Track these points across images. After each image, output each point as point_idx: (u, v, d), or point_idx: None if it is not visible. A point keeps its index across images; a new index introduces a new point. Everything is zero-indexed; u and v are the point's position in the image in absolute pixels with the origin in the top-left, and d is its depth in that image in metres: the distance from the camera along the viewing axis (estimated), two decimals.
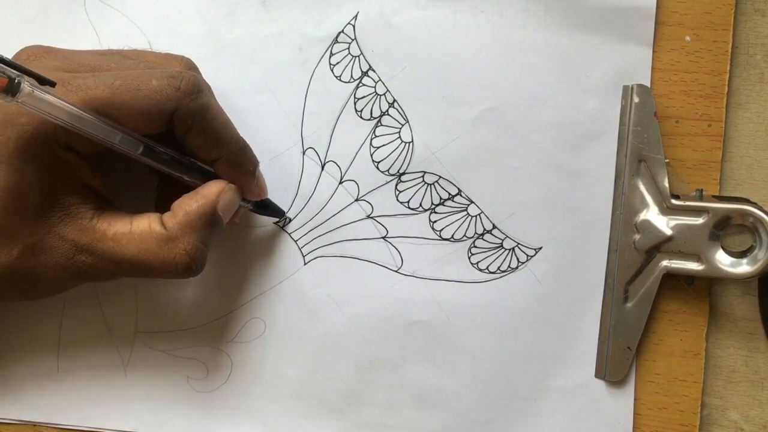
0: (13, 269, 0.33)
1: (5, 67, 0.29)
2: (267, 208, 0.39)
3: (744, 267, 0.36)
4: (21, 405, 0.41)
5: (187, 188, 0.36)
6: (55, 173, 0.33)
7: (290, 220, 0.40)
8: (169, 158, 0.34)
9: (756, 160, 0.38)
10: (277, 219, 0.40)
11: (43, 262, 0.34)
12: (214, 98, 0.35)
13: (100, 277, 0.35)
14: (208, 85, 0.35)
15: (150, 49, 0.39)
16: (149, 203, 0.39)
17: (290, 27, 0.40)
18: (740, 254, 0.37)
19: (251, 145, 0.37)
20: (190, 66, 0.37)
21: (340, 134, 0.40)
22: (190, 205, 0.34)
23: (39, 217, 0.33)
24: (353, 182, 0.40)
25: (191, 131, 0.34)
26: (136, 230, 0.34)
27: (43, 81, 0.30)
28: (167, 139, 0.34)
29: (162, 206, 0.36)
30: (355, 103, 0.40)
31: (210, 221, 0.35)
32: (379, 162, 0.40)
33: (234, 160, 0.35)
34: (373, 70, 0.40)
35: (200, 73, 0.38)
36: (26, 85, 0.30)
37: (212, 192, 0.35)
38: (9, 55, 0.31)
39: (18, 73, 0.30)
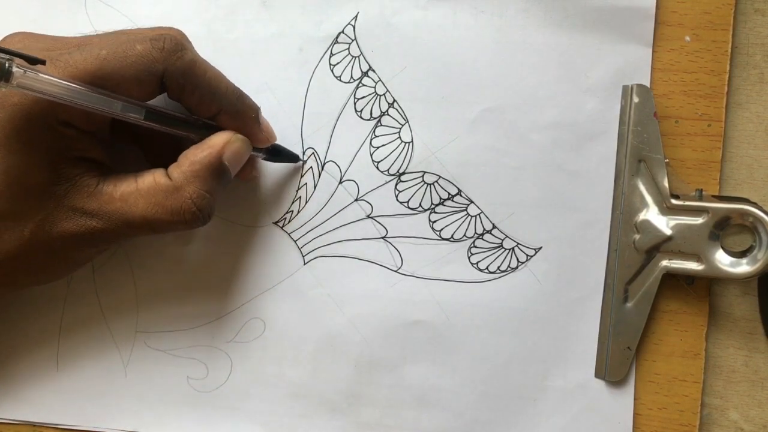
0: (27, 249, 0.34)
1: None
2: (280, 154, 0.39)
3: (744, 267, 0.36)
4: (21, 405, 0.41)
5: (173, 159, 0.36)
6: (55, 149, 0.33)
7: (304, 162, 0.40)
8: (174, 119, 0.35)
9: (756, 160, 0.38)
10: (294, 163, 0.40)
11: (56, 235, 0.34)
12: (197, 53, 0.35)
13: (113, 240, 0.35)
14: (188, 40, 0.35)
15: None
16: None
17: (290, 27, 0.40)
18: (740, 254, 0.37)
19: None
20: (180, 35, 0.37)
21: (340, 134, 0.40)
22: (195, 155, 0.35)
23: (44, 194, 0.33)
24: (353, 182, 0.40)
25: (185, 90, 0.34)
26: (142, 186, 0.34)
27: (33, 61, 0.30)
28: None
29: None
30: (355, 103, 0.40)
31: (216, 170, 0.35)
32: (378, 162, 0.40)
33: (234, 110, 0.36)
34: (373, 71, 0.40)
35: (187, 38, 0.37)
36: (17, 67, 0.30)
37: (218, 142, 0.35)
38: None
39: (6, 56, 0.29)
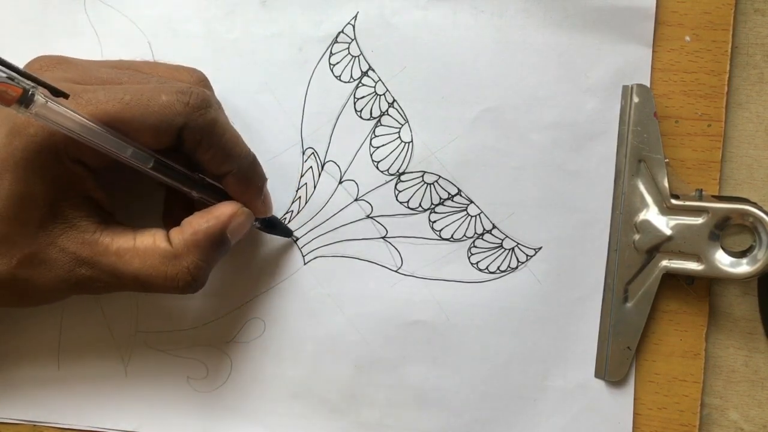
0: (11, 278, 0.34)
1: (20, 77, 0.29)
2: (275, 227, 0.39)
3: (744, 267, 0.36)
4: (21, 405, 0.41)
5: (192, 203, 0.36)
6: (60, 185, 0.33)
7: (297, 239, 0.40)
8: (179, 174, 0.34)
9: (756, 160, 0.38)
10: (285, 238, 0.40)
11: (42, 274, 0.34)
12: (224, 113, 0.35)
13: (99, 289, 0.35)
14: (217, 101, 0.35)
15: (161, 61, 0.38)
16: (153, 217, 0.39)
17: (290, 27, 0.40)
18: (740, 254, 0.37)
19: (251, 144, 0.37)
20: (201, 79, 0.37)
21: (339, 134, 0.40)
22: (200, 224, 0.35)
23: (41, 229, 0.33)
24: (353, 182, 0.40)
25: (200, 146, 0.34)
26: (140, 246, 0.34)
27: (56, 93, 0.30)
28: (175, 154, 0.34)
29: (169, 218, 0.37)
30: (354, 103, 0.40)
31: (217, 242, 0.35)
32: (378, 162, 0.40)
33: (243, 175, 0.35)
34: (373, 70, 0.40)
35: (210, 86, 0.38)
36: (40, 96, 0.30)
37: (225, 213, 0.35)
38: (19, 63, 0.31)
39: (32, 84, 0.30)
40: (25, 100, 0.29)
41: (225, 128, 0.35)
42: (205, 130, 0.33)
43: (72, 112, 0.31)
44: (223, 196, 0.36)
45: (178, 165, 0.35)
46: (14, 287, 0.34)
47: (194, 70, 0.37)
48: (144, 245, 0.34)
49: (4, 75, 0.29)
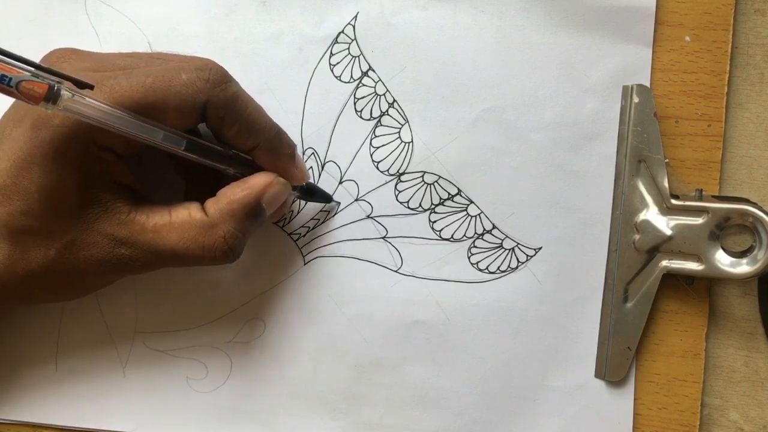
0: (50, 269, 0.34)
1: (43, 74, 0.29)
2: (314, 193, 0.39)
3: (744, 267, 0.36)
4: (20, 405, 0.41)
5: (213, 190, 0.36)
6: (91, 173, 0.33)
7: (338, 204, 0.40)
8: (213, 151, 0.35)
9: (756, 160, 0.38)
10: (326, 203, 0.40)
11: (82, 258, 0.34)
12: (241, 87, 0.35)
13: (139, 269, 0.35)
14: (233, 77, 0.35)
15: (168, 52, 0.38)
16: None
17: (290, 27, 0.40)
18: (740, 254, 0.37)
19: None
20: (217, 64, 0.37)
21: (340, 134, 0.40)
22: (235, 193, 0.35)
23: (75, 216, 0.33)
24: (353, 182, 0.40)
25: (225, 122, 0.34)
26: (176, 220, 0.34)
27: (81, 85, 0.30)
28: (199, 135, 0.35)
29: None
30: (354, 103, 0.40)
31: (253, 211, 0.35)
32: (378, 162, 0.40)
33: (271, 146, 0.35)
34: (373, 70, 0.40)
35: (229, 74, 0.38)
36: (65, 90, 0.30)
37: (260, 183, 0.35)
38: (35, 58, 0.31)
39: (56, 79, 0.30)
40: (51, 96, 0.29)
41: (247, 102, 0.35)
42: (227, 105, 0.34)
43: (99, 103, 0.31)
44: (258, 170, 0.36)
45: (212, 144, 0.35)
46: (54, 278, 0.34)
47: (208, 60, 0.37)
48: (180, 219, 0.34)
49: (28, 73, 0.29)
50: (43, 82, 0.29)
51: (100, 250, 0.34)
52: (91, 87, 0.31)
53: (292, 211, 0.40)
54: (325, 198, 0.39)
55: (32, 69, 0.29)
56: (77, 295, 0.37)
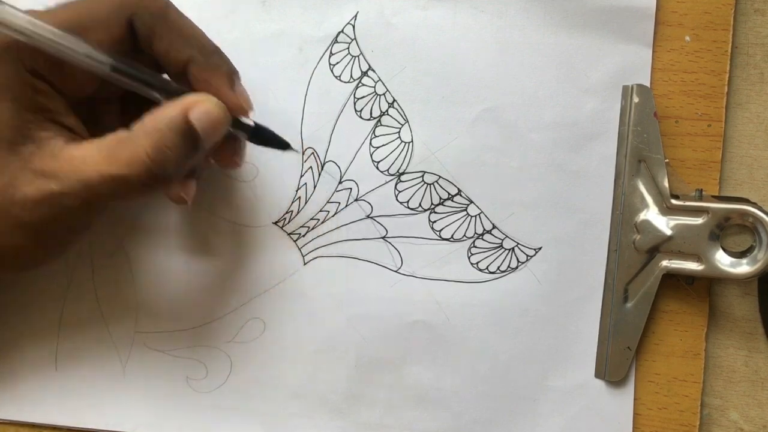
0: None
1: None
2: (265, 137, 0.36)
3: (744, 267, 0.36)
4: (20, 405, 0.41)
5: None
6: (25, 105, 0.32)
7: (296, 152, 0.38)
8: (141, 74, 0.33)
9: (756, 160, 0.38)
10: (282, 150, 0.37)
11: (19, 201, 0.31)
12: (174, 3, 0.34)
13: (74, 207, 0.32)
14: None
15: None
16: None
17: (290, 27, 0.40)
18: (740, 254, 0.37)
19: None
20: None
21: (339, 134, 0.40)
22: (160, 111, 0.32)
23: (10, 152, 0.31)
24: (353, 182, 0.40)
25: (155, 34, 0.32)
26: (102, 143, 0.32)
27: None
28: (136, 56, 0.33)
29: None
30: (354, 103, 0.40)
31: (181, 130, 0.32)
32: (378, 162, 0.40)
33: (205, 63, 0.34)
34: (373, 70, 0.40)
35: None
36: None
37: (186, 100, 0.32)
38: None
39: None
40: None
41: (179, 14, 0.33)
42: (157, 14, 0.32)
43: (21, 13, 0.30)
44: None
45: (140, 66, 0.33)
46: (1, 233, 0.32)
47: None
48: (106, 142, 0.32)
49: None
50: None
51: (34, 188, 0.31)
52: None
53: (292, 211, 0.40)
54: (280, 144, 0.37)
55: None
56: (35, 258, 0.34)
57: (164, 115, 0.32)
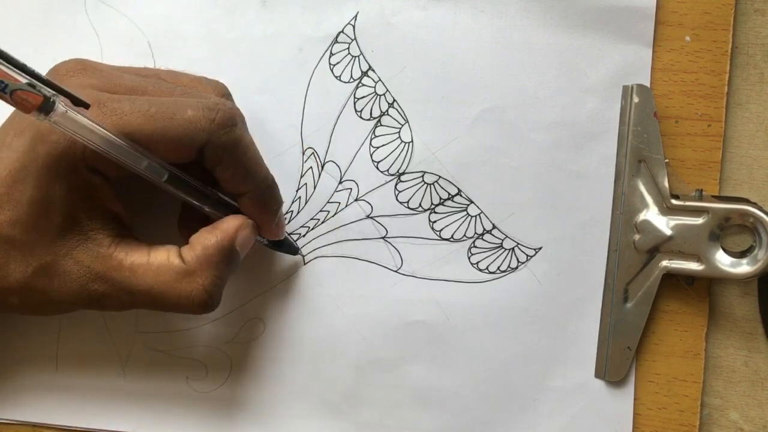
0: (24, 287, 0.33)
1: (41, 85, 0.29)
2: (283, 245, 0.39)
3: (744, 267, 0.36)
4: (20, 405, 0.41)
5: (208, 218, 0.36)
6: (79, 194, 0.33)
7: (303, 257, 0.40)
8: (192, 188, 0.34)
9: (756, 160, 0.38)
10: (293, 255, 0.40)
11: (56, 286, 0.34)
12: (248, 132, 0.35)
13: (111, 306, 0.34)
14: (242, 117, 0.35)
15: (183, 71, 0.38)
16: (170, 230, 0.38)
17: (290, 27, 0.40)
18: (740, 254, 0.37)
19: None
20: (224, 93, 0.37)
21: (339, 134, 0.40)
22: (208, 239, 0.34)
23: (58, 238, 0.33)
24: (353, 182, 0.40)
25: (221, 164, 0.34)
26: (153, 262, 0.34)
27: (77, 102, 0.30)
28: (197, 166, 0.34)
29: (185, 229, 0.36)
30: (354, 103, 0.40)
31: (228, 256, 0.34)
32: (378, 162, 0.40)
33: (260, 197, 0.35)
34: (373, 70, 0.40)
35: (232, 99, 0.37)
36: (60, 105, 0.30)
37: (231, 227, 0.35)
38: (42, 67, 0.31)
39: (53, 92, 0.29)
40: (45, 108, 0.29)
41: (248, 148, 0.34)
42: (227, 148, 0.33)
43: (90, 122, 0.31)
44: (234, 212, 0.36)
45: (195, 177, 0.34)
46: (28, 296, 0.34)
47: (217, 83, 0.37)
48: (158, 261, 0.34)
49: (25, 81, 0.29)
50: (39, 93, 0.29)
51: (75, 281, 0.33)
52: (87, 106, 0.30)
53: (292, 211, 0.40)
54: (293, 250, 0.39)
55: (31, 79, 0.29)
56: (43, 314, 0.37)
57: (215, 246, 0.34)
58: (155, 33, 0.41)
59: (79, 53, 0.38)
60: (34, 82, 0.29)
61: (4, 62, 0.29)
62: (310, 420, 0.40)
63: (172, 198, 0.36)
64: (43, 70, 0.31)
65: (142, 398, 0.41)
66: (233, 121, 0.33)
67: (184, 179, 0.34)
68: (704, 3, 0.38)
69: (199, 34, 0.40)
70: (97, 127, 0.31)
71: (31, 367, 0.41)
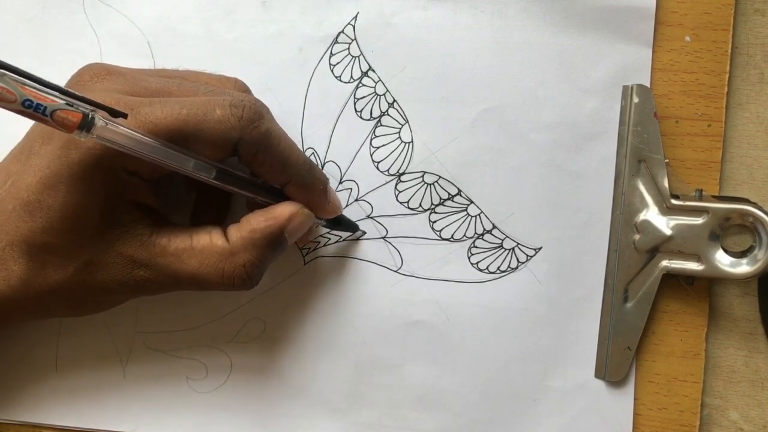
0: (66, 286, 0.34)
1: (78, 102, 0.29)
2: (340, 223, 0.39)
3: (744, 267, 0.36)
4: (21, 405, 0.41)
5: (222, 206, 0.36)
6: (115, 194, 0.33)
7: (364, 233, 0.40)
8: (242, 180, 0.34)
9: (756, 160, 0.38)
10: (351, 234, 0.40)
11: (100, 278, 0.34)
12: (275, 122, 0.35)
13: (155, 290, 0.35)
14: (267, 108, 0.35)
15: (202, 70, 0.38)
16: (183, 220, 0.39)
17: (290, 27, 0.40)
18: (740, 254, 0.37)
19: None
20: (244, 89, 0.37)
21: (339, 134, 0.40)
22: (258, 222, 0.34)
23: (96, 236, 0.33)
24: (353, 182, 0.40)
25: (256, 158, 0.34)
26: (197, 245, 0.34)
27: (115, 113, 0.30)
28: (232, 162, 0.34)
29: (197, 221, 0.37)
30: (354, 104, 0.40)
31: (274, 242, 0.35)
32: (378, 162, 0.40)
33: (302, 182, 0.35)
34: (373, 71, 0.40)
35: (252, 94, 0.37)
36: (99, 119, 0.30)
37: (284, 213, 0.35)
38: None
39: (90, 108, 0.29)
40: (85, 125, 0.29)
41: (279, 139, 0.34)
42: (260, 143, 0.33)
43: (132, 131, 0.31)
44: (288, 198, 0.36)
45: (241, 173, 0.34)
46: (72, 295, 0.34)
47: (236, 80, 0.37)
48: (201, 244, 0.34)
49: (63, 101, 0.29)
50: (77, 110, 0.29)
51: (119, 271, 0.34)
52: (125, 116, 0.30)
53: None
54: (352, 227, 0.39)
55: (69, 99, 0.29)
56: (93, 311, 0.37)
57: (263, 230, 0.34)
58: (155, 33, 0.41)
59: (77, 53, 0.38)
60: (71, 100, 0.29)
61: (37, 85, 0.29)
62: (310, 420, 0.40)
63: (184, 196, 0.36)
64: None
65: (142, 398, 0.41)
66: (260, 114, 0.34)
67: (232, 172, 0.34)
68: (704, 3, 0.38)
69: (199, 34, 0.40)
70: (139, 135, 0.31)
71: (31, 367, 0.41)
